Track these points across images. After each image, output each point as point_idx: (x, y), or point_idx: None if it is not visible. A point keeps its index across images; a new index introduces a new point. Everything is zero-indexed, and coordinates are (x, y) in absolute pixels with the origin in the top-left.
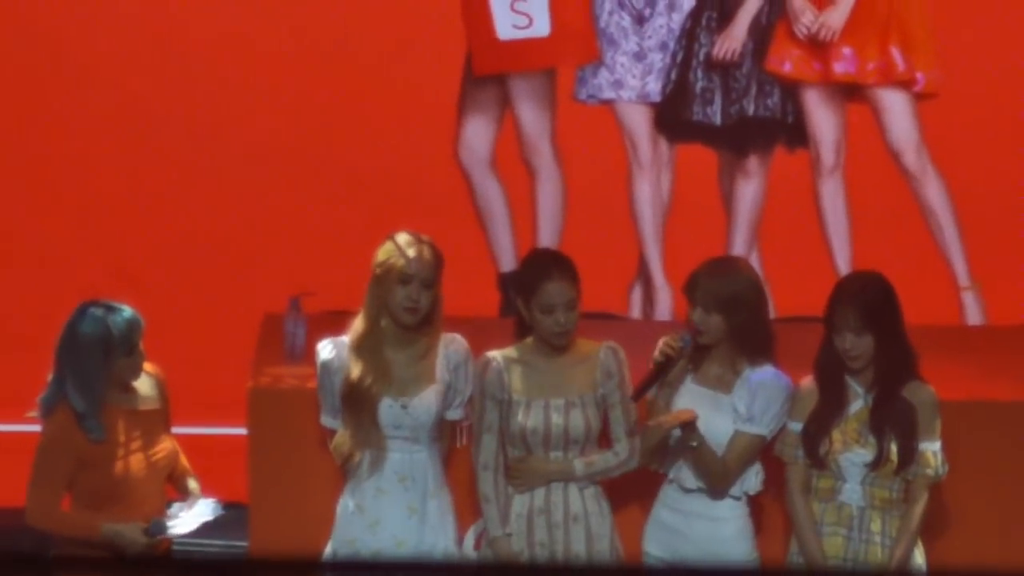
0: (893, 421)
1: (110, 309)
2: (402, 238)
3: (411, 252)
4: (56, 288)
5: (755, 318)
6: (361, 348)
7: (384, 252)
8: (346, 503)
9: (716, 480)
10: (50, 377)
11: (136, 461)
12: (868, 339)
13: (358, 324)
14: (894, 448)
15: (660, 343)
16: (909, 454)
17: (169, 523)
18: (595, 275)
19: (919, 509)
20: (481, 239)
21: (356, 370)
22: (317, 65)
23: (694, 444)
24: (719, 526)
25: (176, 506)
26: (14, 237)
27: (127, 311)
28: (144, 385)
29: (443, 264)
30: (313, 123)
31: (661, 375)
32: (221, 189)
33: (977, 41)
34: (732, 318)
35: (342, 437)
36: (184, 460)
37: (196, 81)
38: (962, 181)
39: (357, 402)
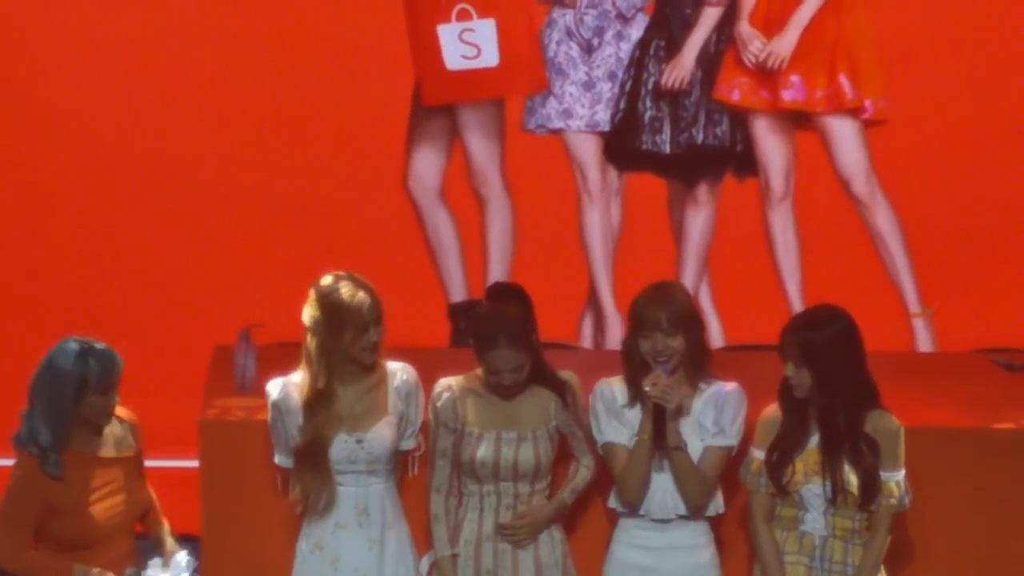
0: (852, 456)
1: (90, 346)
2: (345, 286)
3: (362, 296)
4: (11, 323)
5: (703, 335)
6: (316, 405)
7: (330, 304)
8: (305, 542)
9: (698, 493)
10: (24, 412)
11: (105, 508)
12: (805, 372)
13: (307, 381)
14: (854, 481)
15: (646, 388)
16: (873, 488)
17: (144, 574)
18: (545, 304)
19: (880, 539)
20: (431, 269)
21: (310, 428)
22: (267, 97)
23: (679, 447)
24: (697, 553)
25: (154, 562)
26: None
27: (107, 350)
28: (117, 431)
29: None
30: (260, 155)
31: (663, 415)
32: (169, 222)
33: (924, 68)
34: (690, 338)
35: (297, 489)
36: (159, 512)
37: (144, 116)
38: (911, 208)
39: (312, 456)
